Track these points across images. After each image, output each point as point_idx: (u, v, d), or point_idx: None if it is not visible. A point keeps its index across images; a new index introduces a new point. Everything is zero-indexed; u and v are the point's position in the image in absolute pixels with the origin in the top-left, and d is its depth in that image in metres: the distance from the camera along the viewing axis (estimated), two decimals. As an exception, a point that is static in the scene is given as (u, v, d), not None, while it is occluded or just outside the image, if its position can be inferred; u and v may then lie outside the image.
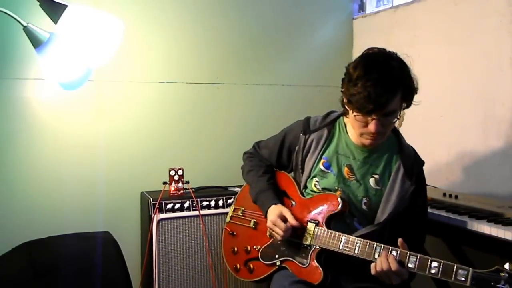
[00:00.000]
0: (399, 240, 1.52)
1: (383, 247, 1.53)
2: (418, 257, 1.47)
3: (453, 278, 1.39)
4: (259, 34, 2.94)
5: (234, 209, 2.04)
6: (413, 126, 2.74)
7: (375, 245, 1.55)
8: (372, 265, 1.52)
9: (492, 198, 2.14)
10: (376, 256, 1.53)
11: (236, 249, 1.94)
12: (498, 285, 1.34)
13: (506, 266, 1.35)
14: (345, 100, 1.66)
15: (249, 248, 1.89)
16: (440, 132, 2.55)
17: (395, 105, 1.59)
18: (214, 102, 2.83)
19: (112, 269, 2.19)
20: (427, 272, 1.44)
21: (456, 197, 2.14)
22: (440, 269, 1.42)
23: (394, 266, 1.47)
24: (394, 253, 1.50)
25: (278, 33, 2.99)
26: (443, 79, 2.53)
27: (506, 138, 2.22)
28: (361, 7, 3.23)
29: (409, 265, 1.48)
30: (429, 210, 2.00)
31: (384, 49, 1.66)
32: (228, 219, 2.04)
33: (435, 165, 2.56)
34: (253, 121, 2.91)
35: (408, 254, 1.48)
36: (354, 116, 1.62)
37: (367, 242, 1.57)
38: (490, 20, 2.26)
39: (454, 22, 2.46)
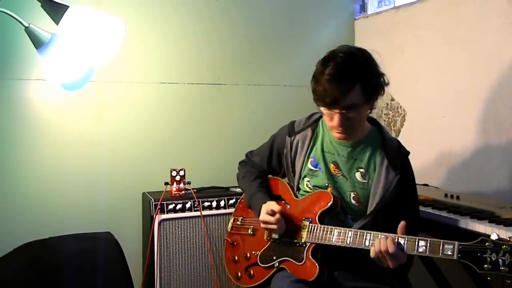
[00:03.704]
0: (401, 223, 1.54)
1: (373, 234, 1.57)
2: (406, 239, 1.50)
3: (440, 254, 1.42)
4: (261, 35, 2.94)
5: (234, 219, 2.07)
6: (414, 126, 2.75)
7: (365, 233, 1.59)
8: (371, 248, 1.54)
9: (493, 198, 2.15)
10: (367, 243, 1.57)
11: (236, 258, 1.96)
12: (484, 255, 1.35)
13: (493, 236, 1.37)
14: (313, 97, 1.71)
15: (248, 254, 1.91)
16: (441, 133, 2.55)
17: (354, 98, 1.60)
18: (215, 103, 2.83)
19: (114, 269, 2.19)
20: (415, 251, 1.47)
21: (458, 197, 2.14)
22: (428, 247, 1.45)
23: (391, 247, 1.48)
24: (383, 237, 1.53)
25: (279, 33, 3.00)
26: (445, 80, 2.53)
27: (507, 139, 2.21)
28: (363, 8, 3.23)
29: None
30: (431, 211, 2.01)
31: (350, 46, 1.69)
32: (228, 229, 2.06)
33: (437, 166, 2.56)
34: (255, 122, 2.91)
35: (396, 237, 1.51)
36: (322, 110, 1.67)
37: (357, 231, 1.61)
38: (491, 21, 2.26)
39: (455, 23, 2.46)
